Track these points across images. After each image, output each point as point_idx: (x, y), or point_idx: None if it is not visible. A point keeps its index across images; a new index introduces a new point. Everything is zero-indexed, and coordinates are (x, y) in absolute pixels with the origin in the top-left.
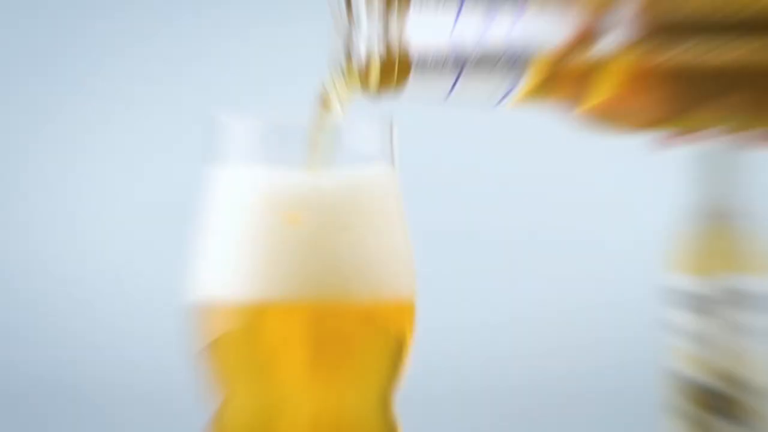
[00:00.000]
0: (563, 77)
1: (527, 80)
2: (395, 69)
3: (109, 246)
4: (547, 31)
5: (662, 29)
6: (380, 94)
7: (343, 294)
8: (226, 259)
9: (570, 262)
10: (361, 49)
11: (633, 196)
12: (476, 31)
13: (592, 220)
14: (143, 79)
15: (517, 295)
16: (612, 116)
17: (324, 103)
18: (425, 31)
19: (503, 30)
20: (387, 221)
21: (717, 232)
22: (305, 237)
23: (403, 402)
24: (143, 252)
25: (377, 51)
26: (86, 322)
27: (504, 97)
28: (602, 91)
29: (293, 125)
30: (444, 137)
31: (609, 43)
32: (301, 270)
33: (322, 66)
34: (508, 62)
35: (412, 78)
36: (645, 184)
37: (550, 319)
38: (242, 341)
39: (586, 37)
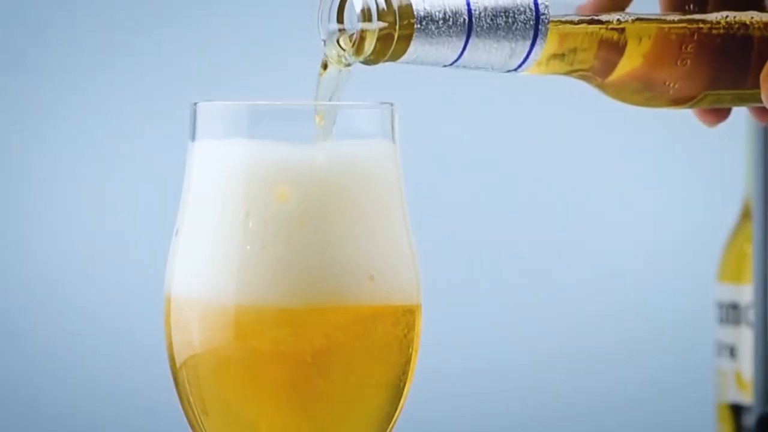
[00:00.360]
0: (589, 42)
1: (549, 42)
2: (396, 25)
3: (106, 246)
4: None
5: None
6: (377, 57)
7: (334, 296)
8: (196, 258)
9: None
10: (357, 3)
11: (656, 195)
12: None
13: (607, 220)
14: (142, 79)
15: (529, 298)
16: (642, 87)
17: (324, 66)
18: None
19: None
20: (386, 203)
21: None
22: (293, 219)
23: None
24: (141, 251)
25: (375, 3)
26: (82, 322)
27: (523, 61)
28: (632, 59)
29: (277, 107)
30: (454, 129)
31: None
32: (282, 268)
33: (313, 60)
34: (528, 20)
35: (415, 37)
36: (670, 180)
37: (561, 318)
38: (210, 351)
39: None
